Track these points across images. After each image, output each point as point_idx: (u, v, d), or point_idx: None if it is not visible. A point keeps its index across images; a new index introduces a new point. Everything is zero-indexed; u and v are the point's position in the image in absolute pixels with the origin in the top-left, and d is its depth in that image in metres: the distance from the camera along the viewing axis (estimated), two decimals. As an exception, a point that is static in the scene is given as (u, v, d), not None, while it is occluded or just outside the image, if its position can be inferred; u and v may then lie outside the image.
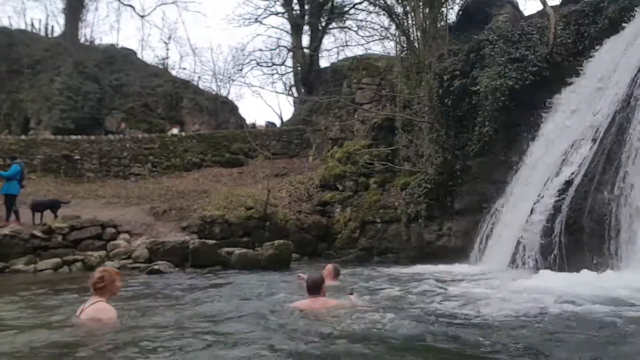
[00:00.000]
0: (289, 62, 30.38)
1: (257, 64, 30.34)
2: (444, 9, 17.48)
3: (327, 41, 37.62)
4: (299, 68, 28.56)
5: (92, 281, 4.51)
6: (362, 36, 30.99)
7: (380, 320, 4.81)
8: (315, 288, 5.30)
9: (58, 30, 28.93)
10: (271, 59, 30.44)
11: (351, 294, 5.78)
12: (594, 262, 8.28)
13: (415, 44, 17.14)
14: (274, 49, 29.95)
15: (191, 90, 27.83)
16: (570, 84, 11.72)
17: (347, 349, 3.79)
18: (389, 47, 23.97)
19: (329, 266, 8.25)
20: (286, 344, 3.97)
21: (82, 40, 28.58)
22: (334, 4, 27.61)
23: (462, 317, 5.12)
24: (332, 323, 4.70)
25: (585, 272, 7.81)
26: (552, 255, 9.07)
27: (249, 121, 29.45)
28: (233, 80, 42.30)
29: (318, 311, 5.15)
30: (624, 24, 11.25)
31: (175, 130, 23.08)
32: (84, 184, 18.63)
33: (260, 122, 30.01)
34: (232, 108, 29.39)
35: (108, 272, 4.63)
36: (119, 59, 26.87)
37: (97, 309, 4.42)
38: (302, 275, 8.54)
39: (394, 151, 17.02)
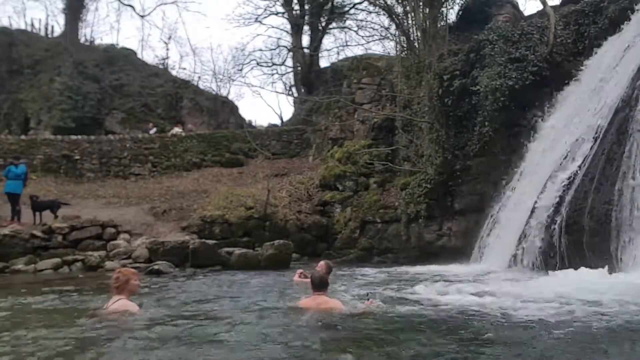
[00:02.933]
0: (289, 62, 30.42)
1: (257, 64, 30.33)
2: (444, 9, 17.47)
3: (327, 41, 37.56)
4: (299, 68, 28.56)
5: (112, 282, 5.06)
6: (362, 36, 30.90)
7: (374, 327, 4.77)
8: (321, 285, 5.36)
9: (58, 30, 28.92)
10: (271, 59, 30.44)
11: (368, 299, 5.74)
12: (594, 262, 8.26)
13: (415, 44, 17.14)
14: (274, 49, 29.97)
15: (191, 90, 27.79)
16: (571, 83, 11.71)
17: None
18: (389, 47, 23.94)
19: (322, 262, 8.30)
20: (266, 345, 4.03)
21: (82, 40, 28.55)
22: (334, 4, 27.61)
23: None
24: (319, 326, 4.77)
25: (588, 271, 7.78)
26: (552, 256, 9.07)
27: (248, 120, 29.46)
28: (233, 80, 42.21)
29: (315, 311, 5.19)
30: (623, 24, 11.25)
31: (176, 130, 23.05)
32: (84, 184, 18.62)
33: (261, 122, 30.03)
34: (232, 108, 29.34)
35: (122, 273, 5.09)
36: (119, 59, 26.83)
37: (119, 305, 4.91)
38: (304, 274, 8.52)
39: (394, 151, 17.01)
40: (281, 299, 6.76)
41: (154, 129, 22.92)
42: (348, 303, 5.78)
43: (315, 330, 4.65)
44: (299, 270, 8.92)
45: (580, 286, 6.72)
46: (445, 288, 7.35)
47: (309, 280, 8.15)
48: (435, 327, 4.78)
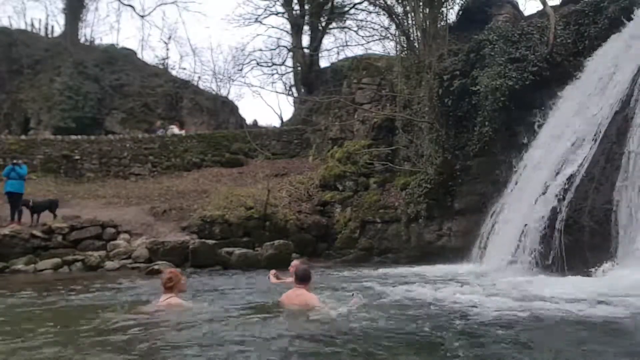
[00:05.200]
0: (289, 62, 30.44)
1: (257, 64, 30.35)
2: (444, 9, 17.52)
3: (327, 41, 37.64)
4: (299, 68, 28.56)
5: (163, 281, 5.48)
6: (362, 36, 31.03)
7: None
8: (303, 278, 5.54)
9: (58, 30, 28.95)
10: (271, 59, 30.47)
11: (355, 296, 5.79)
12: (594, 262, 8.25)
13: (415, 44, 17.16)
14: (274, 49, 29.99)
15: (191, 90, 27.80)
16: (571, 83, 11.71)
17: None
18: (389, 47, 24.05)
19: (296, 262, 8.34)
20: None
21: (82, 40, 28.57)
22: (334, 4, 27.62)
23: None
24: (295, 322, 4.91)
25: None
26: (552, 256, 9.07)
27: (249, 120, 29.47)
28: (233, 80, 42.32)
29: (292, 304, 5.42)
30: (624, 23, 11.25)
31: (175, 130, 23.02)
32: (84, 184, 18.62)
33: (263, 122, 29.99)
34: (232, 108, 29.36)
35: (174, 273, 5.59)
36: (119, 59, 26.85)
37: (172, 301, 5.36)
38: (277, 274, 8.56)
39: (394, 151, 17.02)
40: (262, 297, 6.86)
41: (162, 130, 22.87)
42: (325, 300, 5.81)
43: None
44: (272, 271, 8.88)
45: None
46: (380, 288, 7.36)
47: (284, 280, 8.21)
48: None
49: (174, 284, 5.43)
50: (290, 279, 8.05)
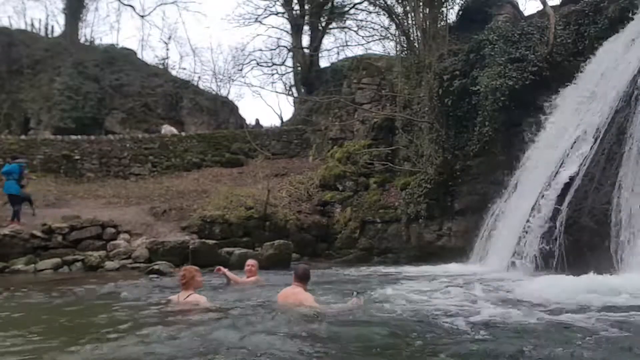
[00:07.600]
0: (289, 62, 30.42)
1: (257, 64, 30.34)
2: (444, 9, 17.50)
3: (327, 41, 37.41)
4: (299, 68, 28.56)
5: (178, 279, 5.75)
6: (362, 36, 31.12)
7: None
8: (302, 276, 5.61)
9: (58, 30, 28.92)
10: (271, 59, 30.45)
11: (355, 296, 5.80)
12: (594, 262, 8.26)
13: (415, 44, 17.15)
14: (274, 49, 29.97)
15: (191, 90, 27.78)
16: (571, 83, 11.70)
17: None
18: (389, 47, 23.97)
19: (251, 261, 8.26)
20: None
21: (82, 40, 28.55)
22: (334, 4, 27.62)
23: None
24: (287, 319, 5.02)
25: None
26: (552, 256, 9.07)
27: (251, 120, 29.45)
28: (233, 80, 42.28)
29: (286, 301, 5.53)
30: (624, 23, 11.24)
31: (175, 129, 22.96)
32: (84, 184, 18.61)
33: (264, 122, 29.95)
34: (232, 108, 29.34)
35: (187, 270, 5.73)
36: (119, 59, 26.81)
37: (192, 298, 5.56)
38: (223, 269, 8.39)
39: (394, 151, 17.02)
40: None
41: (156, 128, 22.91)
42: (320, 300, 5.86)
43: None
44: (223, 269, 8.35)
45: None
46: None
47: (239, 279, 8.09)
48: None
49: (187, 281, 5.59)
50: (244, 279, 8.07)
